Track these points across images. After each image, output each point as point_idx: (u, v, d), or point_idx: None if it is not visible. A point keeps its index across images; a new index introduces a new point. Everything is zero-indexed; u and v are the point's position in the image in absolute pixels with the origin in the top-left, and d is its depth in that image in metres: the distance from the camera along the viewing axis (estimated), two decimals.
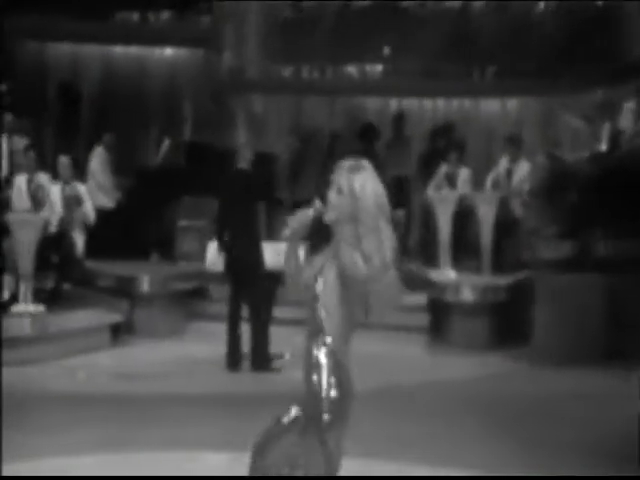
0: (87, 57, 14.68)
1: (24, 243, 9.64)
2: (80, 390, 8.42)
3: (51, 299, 9.91)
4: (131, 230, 11.93)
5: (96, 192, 11.92)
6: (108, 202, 12.27)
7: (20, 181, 10.67)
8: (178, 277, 11.25)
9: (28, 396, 8.11)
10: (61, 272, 10.32)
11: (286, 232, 3.93)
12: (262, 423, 6.93)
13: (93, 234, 11.06)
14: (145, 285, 10.88)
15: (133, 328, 10.46)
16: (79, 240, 10.82)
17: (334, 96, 14.74)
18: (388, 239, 3.88)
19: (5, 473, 6.00)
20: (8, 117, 11.88)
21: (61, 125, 13.58)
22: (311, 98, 14.83)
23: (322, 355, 3.90)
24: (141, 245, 11.96)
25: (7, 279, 9.94)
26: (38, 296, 9.67)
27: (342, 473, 4.02)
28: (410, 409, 7.86)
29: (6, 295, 9.85)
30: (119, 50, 14.81)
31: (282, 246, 9.89)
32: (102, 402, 7.95)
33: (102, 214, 11.59)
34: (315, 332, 3.93)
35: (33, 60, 14.45)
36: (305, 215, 3.88)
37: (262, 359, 9.13)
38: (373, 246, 3.81)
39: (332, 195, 3.84)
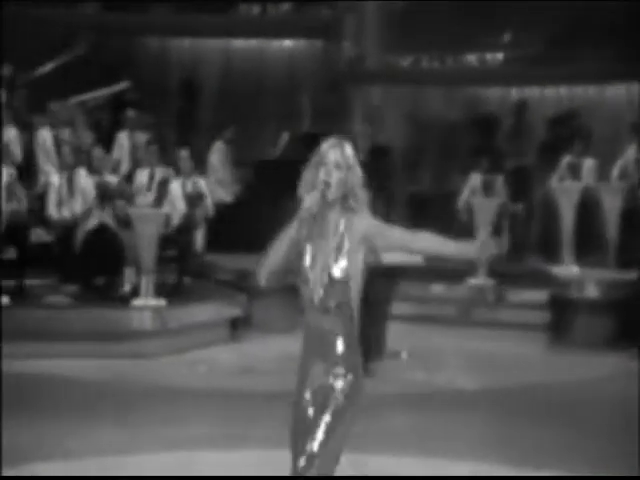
0: (207, 51, 14.83)
1: (146, 237, 9.77)
2: (198, 385, 8.46)
3: (172, 293, 10.02)
4: (250, 223, 11.94)
5: (215, 186, 12.02)
6: (227, 196, 12.37)
7: (142, 176, 10.83)
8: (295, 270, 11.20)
9: (147, 390, 8.18)
10: (182, 266, 10.43)
11: (302, 213, 3.86)
12: (375, 424, 6.97)
13: (213, 228, 11.13)
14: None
15: (251, 322, 10.48)
16: (199, 234, 10.91)
17: (453, 86, 14.52)
18: None
19: (110, 466, 5.99)
20: (130, 113, 12.10)
21: (182, 120, 13.75)
22: (429, 88, 14.65)
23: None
24: (260, 238, 11.96)
25: (129, 273, 10.14)
26: (159, 290, 9.77)
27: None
28: (525, 410, 7.65)
29: (127, 289, 10.06)
30: (239, 43, 14.90)
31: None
32: (218, 398, 7.94)
33: (221, 208, 11.69)
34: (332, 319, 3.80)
35: (155, 56, 14.66)
36: (315, 196, 3.83)
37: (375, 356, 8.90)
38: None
39: (333, 173, 3.83)
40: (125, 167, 11.58)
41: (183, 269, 10.45)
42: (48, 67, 12.97)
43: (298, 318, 11.86)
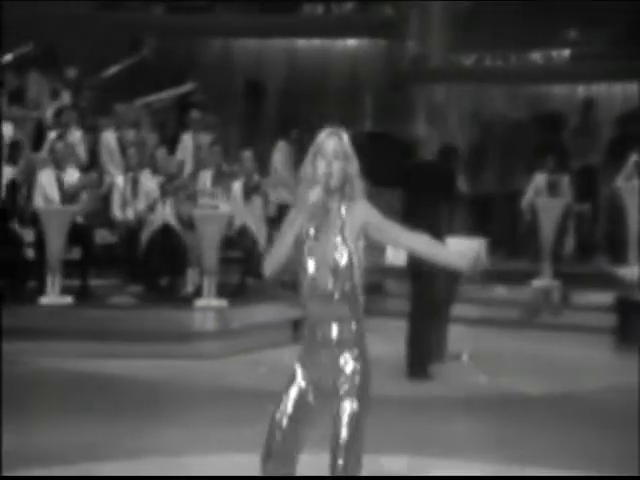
0: (272, 52, 14.84)
1: (208, 238, 9.79)
2: (259, 386, 8.29)
3: (235, 294, 10.04)
4: None
5: (278, 187, 12.01)
6: (289, 197, 12.35)
7: (205, 177, 10.89)
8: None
9: (208, 390, 8.18)
10: (245, 267, 10.45)
11: (308, 207, 3.83)
12: (435, 427, 6.89)
13: (275, 228, 11.13)
14: None
15: None
16: (261, 234, 10.92)
17: (517, 84, 14.35)
18: None
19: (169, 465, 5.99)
20: (195, 114, 12.17)
21: (246, 120, 13.79)
22: (493, 87, 14.50)
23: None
24: None
25: (192, 273, 10.22)
26: (222, 291, 9.78)
27: None
28: (590, 415, 7.52)
29: (190, 289, 10.12)
30: (303, 43, 14.90)
31: (464, 242, 9.75)
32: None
33: (283, 208, 11.67)
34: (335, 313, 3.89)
35: (219, 57, 14.73)
36: (318, 189, 3.82)
37: (422, 362, 8.72)
38: None
39: (333, 164, 3.84)
40: (189, 168, 11.64)
41: (246, 270, 10.45)
42: (114, 69, 13.07)
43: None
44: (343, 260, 3.81)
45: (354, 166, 3.86)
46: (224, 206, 10.32)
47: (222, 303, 9.71)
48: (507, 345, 9.94)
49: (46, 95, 11.92)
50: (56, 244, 9.59)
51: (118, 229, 10.62)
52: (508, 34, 13.95)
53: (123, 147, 11.34)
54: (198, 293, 9.84)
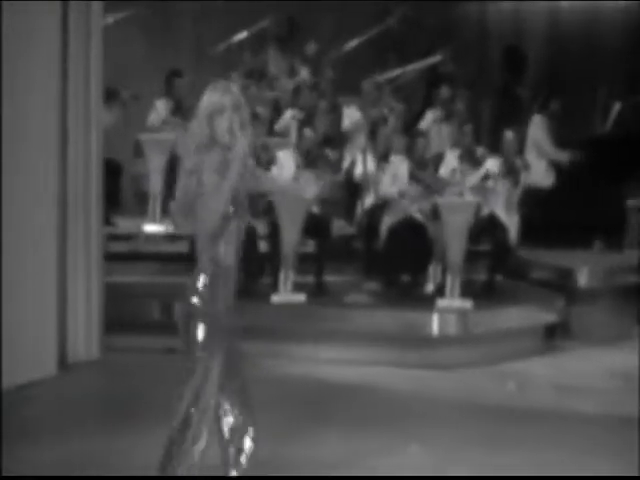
0: (531, 14, 13.96)
1: (454, 229, 9.25)
2: (507, 403, 7.91)
3: (481, 294, 9.46)
4: (572, 213, 10.97)
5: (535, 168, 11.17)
6: (545, 179, 11.53)
7: (450, 160, 10.24)
8: (625, 269, 10.28)
9: (449, 404, 7.85)
10: (494, 262, 9.83)
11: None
12: None
13: (528, 218, 10.37)
14: (584, 278, 10.02)
15: (569, 330, 9.73)
16: (512, 224, 10.16)
17: None
18: None
19: None
20: (444, 90, 11.60)
21: (504, 94, 12.99)
22: None
23: None
24: (583, 230, 11.00)
25: (433, 269, 9.70)
26: (467, 290, 9.23)
27: None
28: None
29: (432, 287, 9.61)
30: (565, 4, 13.92)
31: None
32: (532, 419, 7.41)
33: (539, 194, 10.92)
34: None
35: (473, 23, 14.05)
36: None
37: None
38: None
39: (234, 118, 4.40)
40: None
41: (495, 266, 9.81)
42: (357, 41, 12.74)
43: (628, 326, 10.83)
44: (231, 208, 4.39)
45: (246, 113, 4.41)
46: (467, 194, 9.73)
47: (466, 304, 9.15)
48: None
49: (284, 73, 11.75)
50: (290, 236, 9.33)
51: (356, 219, 10.28)
52: None
53: (371, 128, 10.93)
54: (440, 292, 9.32)
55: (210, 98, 4.37)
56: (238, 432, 4.57)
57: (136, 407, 7.19)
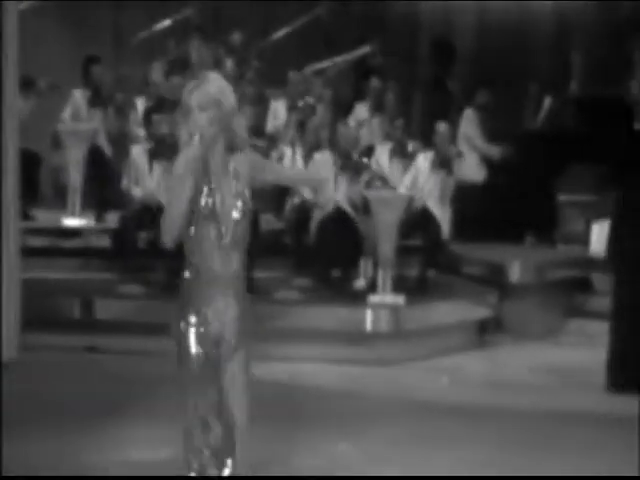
0: (462, 6, 13.96)
1: (385, 224, 9.17)
2: (441, 399, 7.92)
3: (413, 289, 9.42)
4: (504, 208, 11.05)
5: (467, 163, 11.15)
6: (476, 174, 11.52)
7: (381, 153, 10.19)
8: (556, 264, 10.40)
9: (380, 401, 7.81)
10: (427, 257, 9.77)
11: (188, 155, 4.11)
12: None
13: (460, 213, 10.34)
14: (516, 273, 10.10)
15: (502, 325, 9.76)
16: (444, 218, 10.10)
17: None
18: None
19: None
20: (374, 81, 11.53)
21: (433, 87, 12.98)
22: None
23: None
24: (514, 225, 11.10)
25: (364, 265, 9.58)
26: (399, 285, 9.18)
27: None
28: None
29: (363, 283, 9.50)
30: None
31: None
32: (466, 415, 7.40)
33: (471, 189, 10.89)
34: None
35: (402, 15, 14.02)
36: (190, 153, 4.08)
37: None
38: None
39: (198, 117, 4.07)
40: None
41: (428, 261, 9.77)
42: (284, 32, 12.63)
43: (558, 321, 10.92)
44: (237, 214, 4.10)
45: (227, 109, 4.04)
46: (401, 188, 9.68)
47: (398, 300, 9.11)
48: None
49: (209, 63, 11.56)
50: None
51: (285, 213, 10.14)
52: None
53: (297, 120, 10.81)
54: (372, 288, 9.25)
55: (188, 95, 4.06)
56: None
57: (53, 407, 6.97)
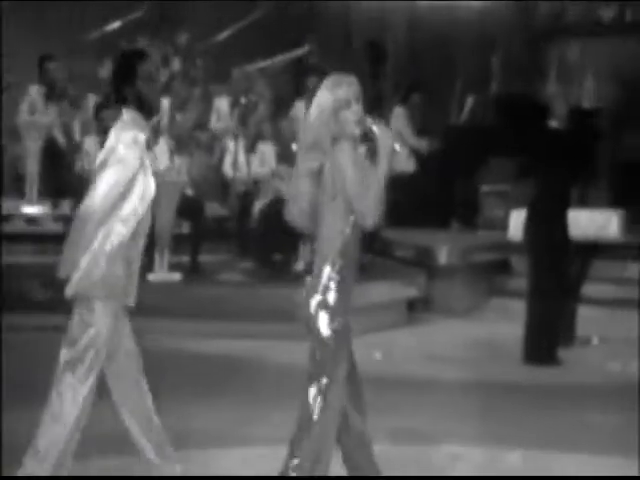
0: (392, 11, 14.55)
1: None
2: (375, 372, 7.75)
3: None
4: (431, 196, 11.65)
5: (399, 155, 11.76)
6: (407, 166, 12.14)
7: None
8: (479, 248, 10.87)
9: None
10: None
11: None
12: (561, 419, 6.61)
13: (391, 200, 10.91)
14: (443, 256, 10.55)
15: (430, 303, 10.23)
16: None
17: None
18: None
19: None
20: (312, 79, 12.02)
21: (366, 84, 13.51)
22: (635, 41, 13.86)
23: None
24: (441, 212, 11.72)
25: (304, 249, 9.98)
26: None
27: None
28: None
29: (301, 266, 9.89)
30: (425, 3, 14.56)
31: (598, 215, 9.35)
32: (398, 387, 7.69)
33: (402, 179, 11.49)
34: None
35: (338, 17, 14.48)
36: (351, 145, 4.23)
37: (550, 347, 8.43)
38: None
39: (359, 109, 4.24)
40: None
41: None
42: (227, 32, 13.03)
43: (481, 299, 11.37)
44: None
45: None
46: None
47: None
48: None
49: (157, 63, 11.98)
50: (165, 218, 9.58)
51: (229, 202, 10.65)
52: None
53: (240, 115, 11.29)
54: (309, 270, 9.69)
55: (335, 93, 4.18)
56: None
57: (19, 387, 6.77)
